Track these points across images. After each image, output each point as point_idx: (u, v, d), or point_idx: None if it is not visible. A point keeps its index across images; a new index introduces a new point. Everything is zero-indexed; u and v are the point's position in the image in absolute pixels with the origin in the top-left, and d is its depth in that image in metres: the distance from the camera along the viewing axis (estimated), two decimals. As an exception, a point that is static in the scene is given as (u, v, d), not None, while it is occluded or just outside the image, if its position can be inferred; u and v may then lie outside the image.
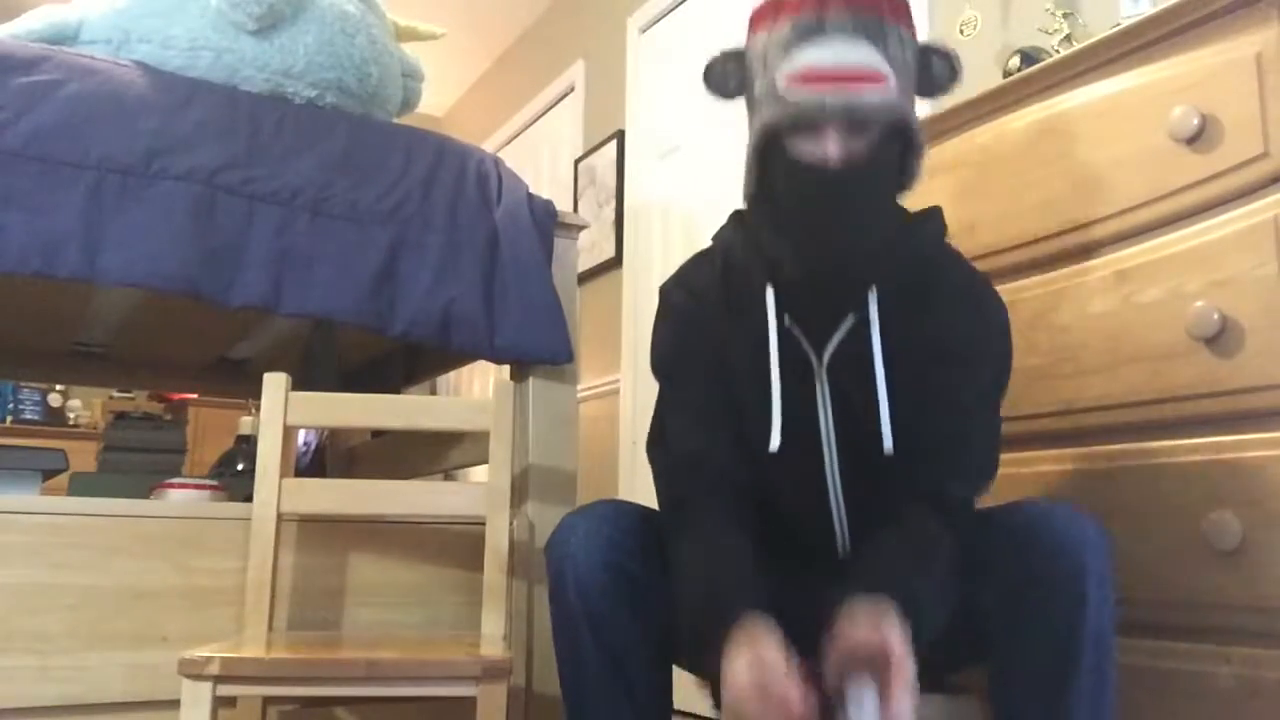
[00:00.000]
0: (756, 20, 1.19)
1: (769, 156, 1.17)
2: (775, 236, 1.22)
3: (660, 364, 1.32)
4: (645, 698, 1.16)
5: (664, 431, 1.29)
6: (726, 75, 1.23)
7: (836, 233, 1.15)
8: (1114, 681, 1.06)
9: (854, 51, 1.10)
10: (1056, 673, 1.04)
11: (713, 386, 1.25)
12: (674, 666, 1.23)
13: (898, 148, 1.16)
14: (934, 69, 1.18)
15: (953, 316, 1.20)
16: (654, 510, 1.24)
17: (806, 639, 1.25)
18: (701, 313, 1.28)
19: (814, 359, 1.21)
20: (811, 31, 1.10)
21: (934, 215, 1.28)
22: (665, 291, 1.33)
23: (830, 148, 1.11)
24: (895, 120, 1.13)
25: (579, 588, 1.14)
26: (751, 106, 1.20)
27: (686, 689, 1.28)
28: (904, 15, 1.15)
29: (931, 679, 1.24)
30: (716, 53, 1.24)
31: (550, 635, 1.20)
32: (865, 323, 1.18)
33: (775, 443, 1.18)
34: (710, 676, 1.15)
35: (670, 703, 1.20)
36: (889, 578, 1.03)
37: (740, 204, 1.32)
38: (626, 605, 1.14)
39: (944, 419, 1.17)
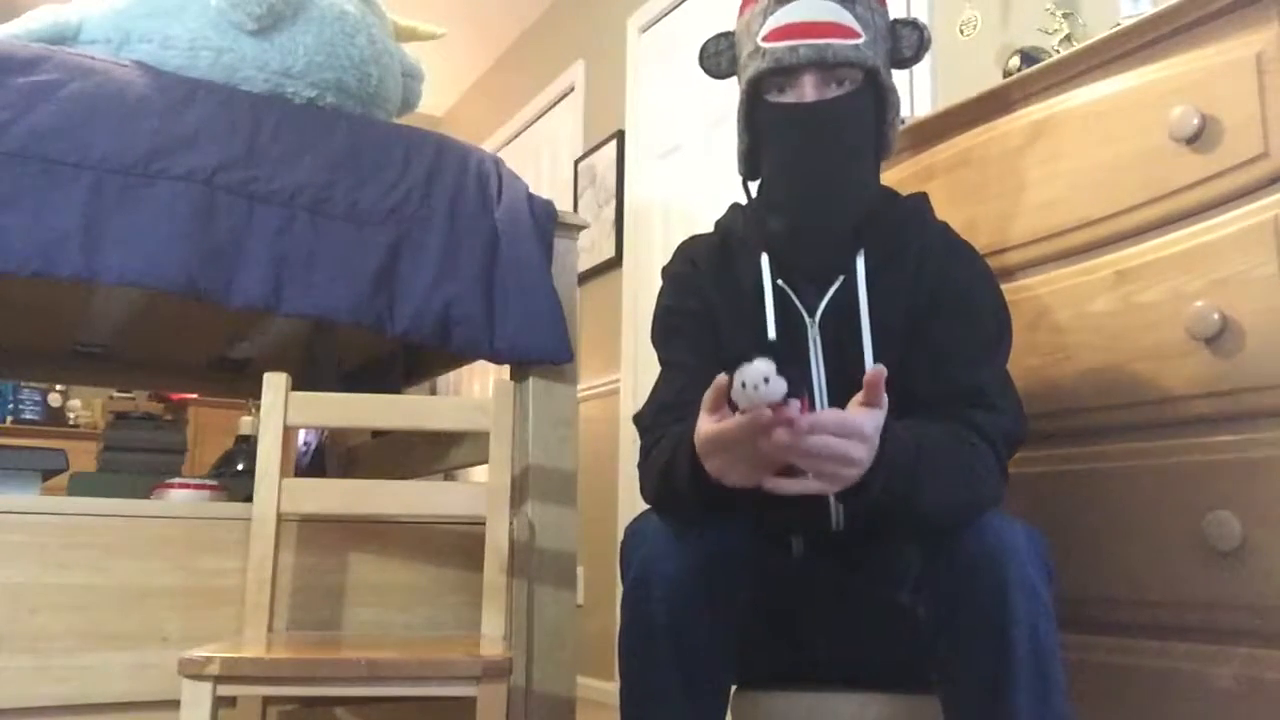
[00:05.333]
0: (744, 3, 1.32)
1: (754, 109, 1.29)
2: (766, 195, 1.32)
3: (654, 328, 1.37)
4: (710, 707, 1.14)
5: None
6: (719, 55, 1.35)
7: (816, 165, 1.25)
8: (1062, 684, 1.04)
9: (824, 8, 1.22)
10: (993, 682, 1.03)
11: (702, 345, 1.31)
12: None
13: (871, 100, 1.26)
14: (903, 39, 1.29)
15: (942, 271, 1.26)
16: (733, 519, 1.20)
17: (802, 616, 1.25)
18: (695, 275, 1.34)
19: (806, 316, 1.27)
20: None
21: (919, 194, 1.37)
22: (665, 266, 1.40)
23: (806, 92, 1.23)
24: (866, 70, 1.24)
25: (666, 592, 1.10)
26: (741, 77, 1.31)
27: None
28: None
29: (888, 681, 1.24)
30: (710, 36, 1.35)
31: (547, 631, 1.19)
32: (853, 283, 1.25)
33: None
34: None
35: (726, 711, 1.20)
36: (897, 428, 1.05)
37: (739, 199, 1.41)
38: (710, 614, 1.12)
39: (957, 370, 1.20)
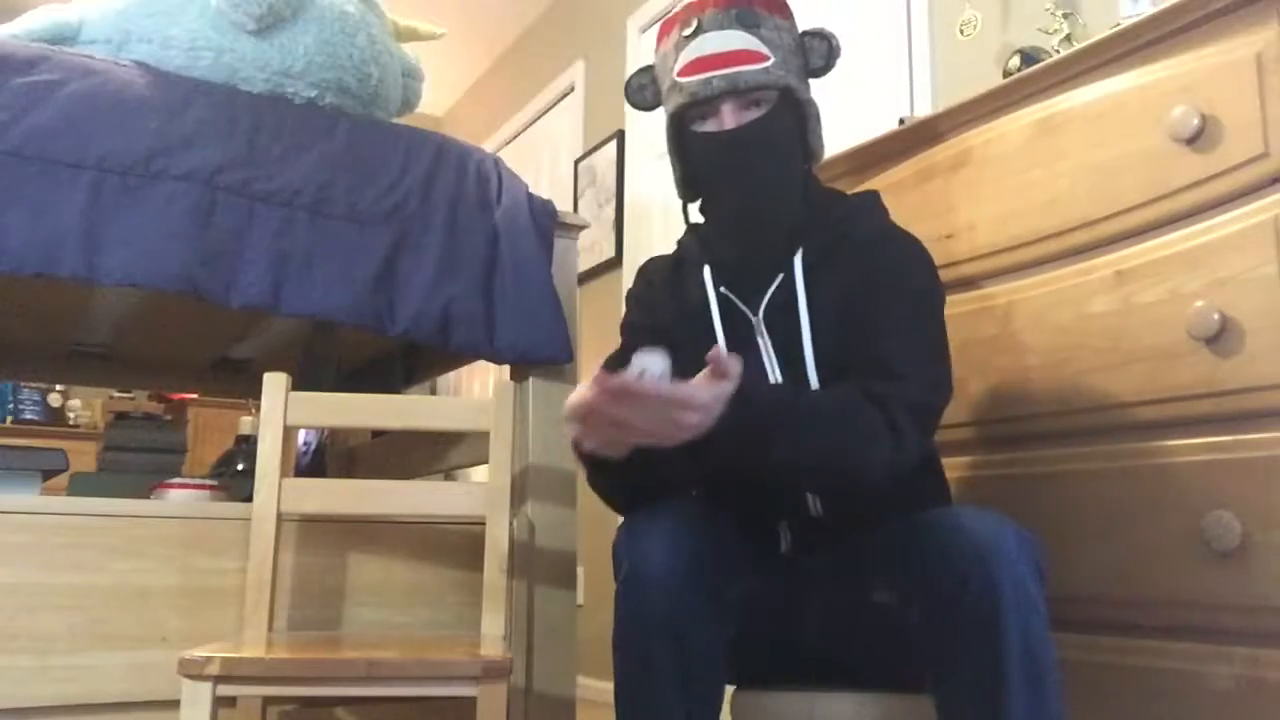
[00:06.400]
0: (658, 38, 1.38)
1: (680, 140, 1.36)
2: (705, 216, 1.41)
3: (622, 344, 1.44)
4: (705, 704, 1.14)
5: None
6: (643, 89, 1.42)
7: (745, 187, 1.32)
8: (1056, 683, 1.04)
9: (730, 38, 1.28)
10: (986, 684, 1.03)
11: (645, 343, 1.36)
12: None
13: (792, 119, 1.32)
14: (813, 51, 1.33)
15: (868, 259, 1.30)
16: (723, 512, 1.24)
17: (792, 614, 1.26)
18: (649, 294, 1.44)
19: (751, 316, 1.33)
20: (694, 31, 1.30)
21: (866, 193, 1.43)
22: (629, 288, 1.48)
23: (726, 119, 1.29)
24: (780, 90, 1.30)
25: (660, 587, 1.12)
26: (666, 109, 1.37)
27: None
28: (776, 6, 1.33)
29: (884, 681, 1.24)
30: (633, 71, 1.42)
31: (547, 631, 1.19)
32: (792, 279, 1.31)
33: None
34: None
35: (720, 710, 1.19)
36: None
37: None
38: (705, 609, 1.12)
39: (866, 344, 1.25)
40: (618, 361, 1.39)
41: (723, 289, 1.35)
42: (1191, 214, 1.29)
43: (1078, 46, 1.45)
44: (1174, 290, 1.28)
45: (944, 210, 1.61)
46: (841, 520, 1.27)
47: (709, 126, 1.31)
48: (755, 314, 1.33)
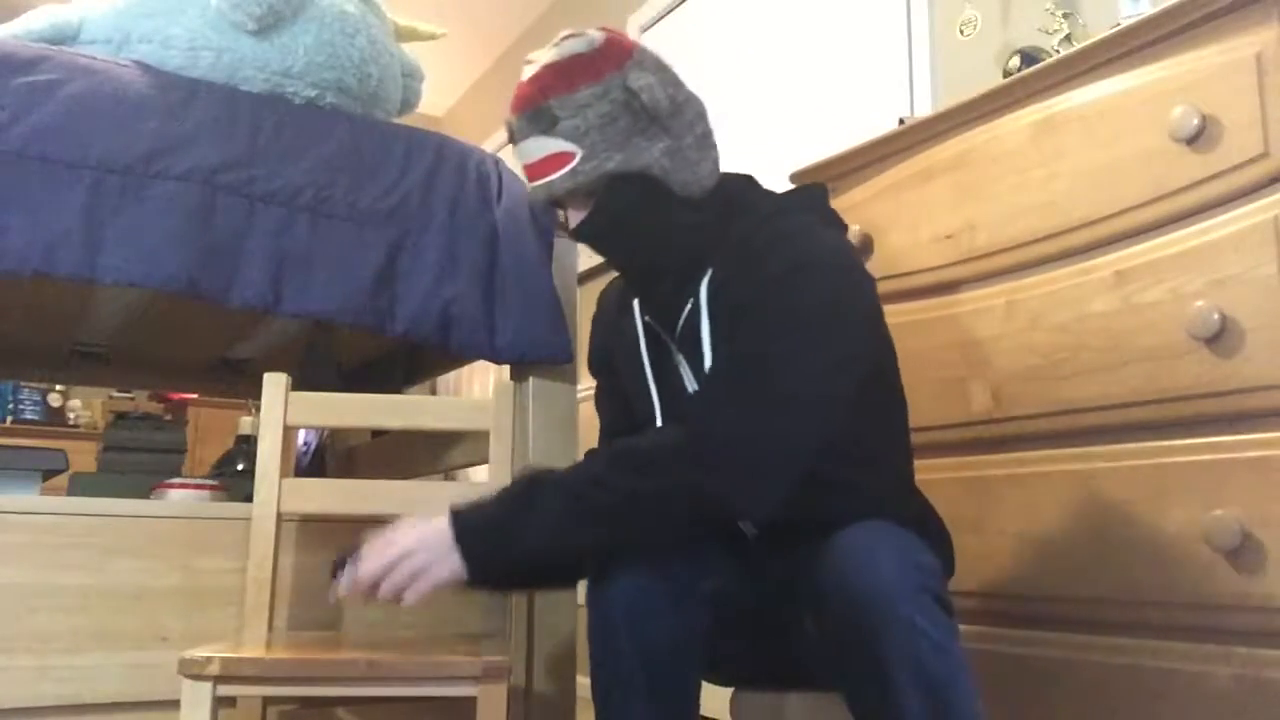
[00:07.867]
0: None
1: None
2: None
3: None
4: (676, 700, 1.15)
5: None
6: None
7: (617, 264, 1.37)
8: (969, 706, 1.00)
9: (532, 147, 1.25)
10: (886, 710, 1.01)
11: (606, 389, 1.48)
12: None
13: (635, 190, 1.24)
14: (642, 93, 1.22)
15: (756, 270, 1.22)
16: None
17: (766, 613, 1.26)
18: (602, 320, 1.49)
19: (669, 340, 1.33)
20: (512, 139, 1.28)
21: (794, 192, 1.38)
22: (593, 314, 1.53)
23: (569, 219, 1.29)
24: (593, 182, 1.23)
25: (620, 586, 1.14)
26: None
27: (714, 697, 1.27)
28: (579, 76, 1.22)
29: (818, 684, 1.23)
30: None
31: (547, 631, 1.20)
32: (699, 304, 1.29)
33: (659, 421, 1.33)
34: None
35: (698, 706, 1.20)
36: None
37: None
38: (669, 605, 1.14)
39: (723, 366, 1.23)
40: (597, 393, 1.50)
41: (647, 318, 1.36)
42: (1191, 214, 1.29)
43: (1078, 46, 1.45)
44: (1174, 290, 1.28)
45: (944, 210, 1.61)
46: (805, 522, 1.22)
47: (564, 218, 1.31)
48: (673, 340, 1.32)
